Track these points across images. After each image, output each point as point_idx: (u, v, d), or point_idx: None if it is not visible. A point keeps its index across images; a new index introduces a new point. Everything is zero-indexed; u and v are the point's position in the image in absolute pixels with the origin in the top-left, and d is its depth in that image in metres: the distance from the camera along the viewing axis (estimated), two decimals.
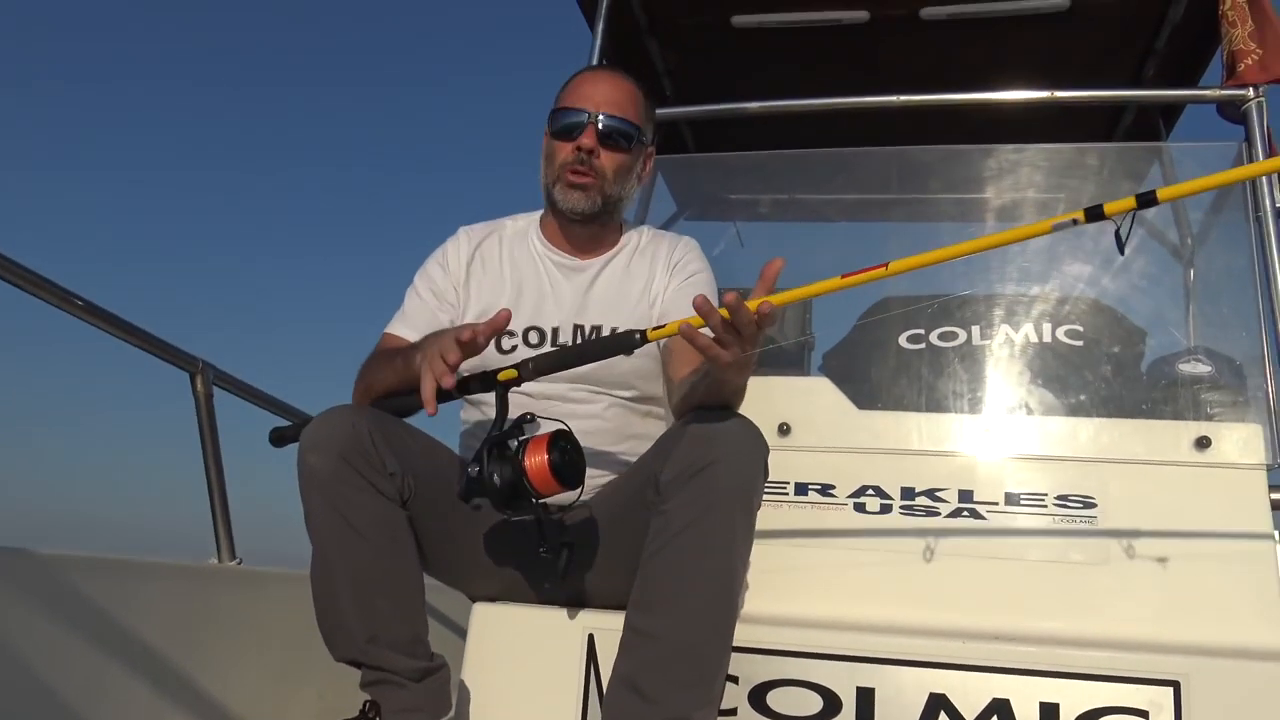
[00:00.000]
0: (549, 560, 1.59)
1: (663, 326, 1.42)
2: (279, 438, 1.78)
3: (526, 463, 1.45)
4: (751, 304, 1.33)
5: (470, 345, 1.48)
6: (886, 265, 1.33)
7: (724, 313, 1.33)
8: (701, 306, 1.34)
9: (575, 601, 1.73)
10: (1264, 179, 2.14)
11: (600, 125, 1.81)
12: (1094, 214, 1.31)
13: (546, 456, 1.45)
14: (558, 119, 1.85)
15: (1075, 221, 1.31)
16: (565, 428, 1.52)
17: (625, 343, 1.50)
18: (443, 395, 1.51)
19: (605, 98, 1.84)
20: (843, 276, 1.35)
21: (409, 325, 1.83)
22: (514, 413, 1.54)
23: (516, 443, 1.48)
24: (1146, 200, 1.29)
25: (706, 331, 1.37)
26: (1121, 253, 1.35)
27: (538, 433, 1.50)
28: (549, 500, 1.51)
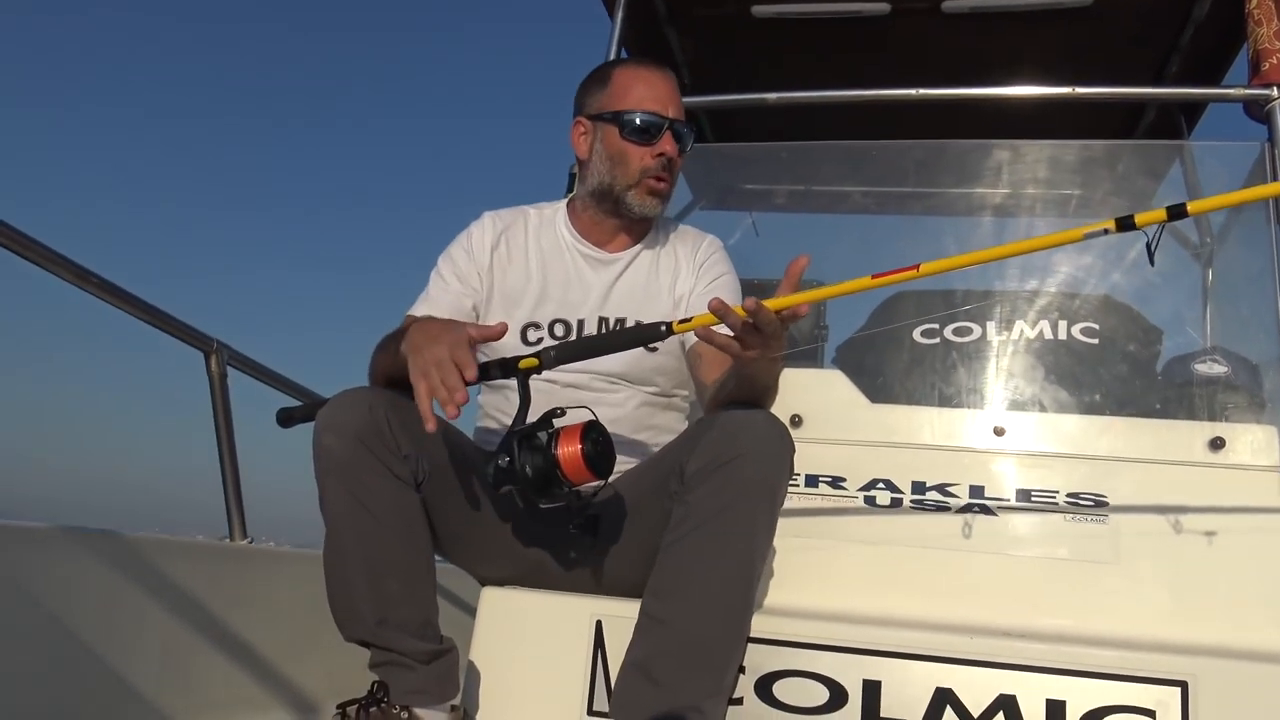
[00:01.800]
0: (568, 542, 1.61)
1: (689, 320, 1.42)
2: (287, 418, 1.77)
3: (559, 453, 1.46)
4: (773, 304, 1.33)
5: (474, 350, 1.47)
6: (918, 267, 1.33)
7: (740, 311, 1.33)
8: (718, 310, 1.35)
9: (588, 586, 1.73)
10: None
11: (675, 132, 1.84)
12: (1125, 224, 1.30)
13: (580, 447, 1.46)
14: (632, 122, 1.83)
15: (1106, 231, 1.31)
16: (594, 418, 1.53)
17: (650, 334, 1.50)
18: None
19: (672, 99, 1.86)
20: (873, 277, 1.34)
21: (433, 308, 1.82)
22: (535, 401, 1.54)
23: (546, 434, 1.48)
24: (1177, 212, 1.29)
25: (725, 330, 1.38)
26: (1152, 264, 1.34)
27: (566, 423, 1.50)
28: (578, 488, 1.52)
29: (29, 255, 1.91)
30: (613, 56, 2.62)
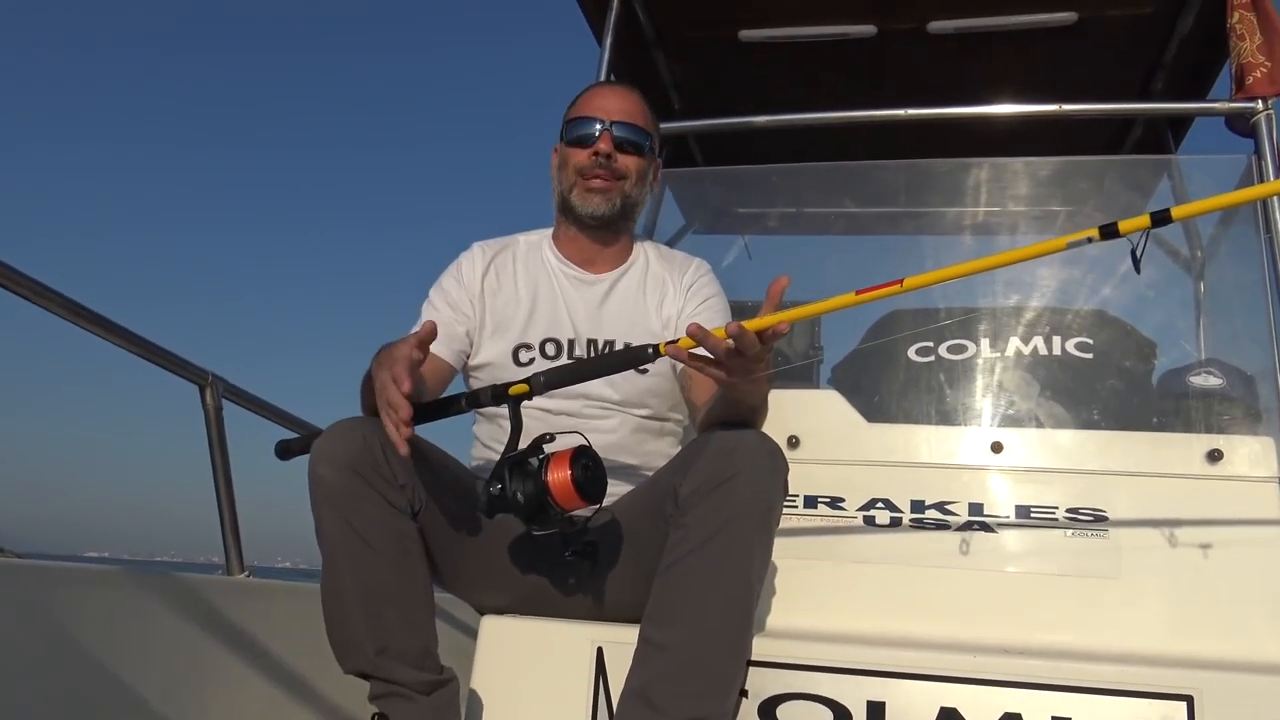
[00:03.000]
0: (566, 568, 1.59)
1: (676, 341, 1.41)
2: (285, 450, 1.77)
3: (549, 479, 1.46)
4: (753, 324, 1.33)
5: (410, 364, 1.44)
6: (901, 282, 1.32)
7: (720, 333, 1.34)
8: (695, 334, 1.35)
9: (587, 613, 1.72)
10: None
11: (615, 132, 1.87)
12: (1109, 232, 1.30)
13: (569, 472, 1.46)
14: (571, 128, 1.90)
15: (1090, 239, 1.30)
16: (585, 443, 1.52)
17: (638, 356, 1.50)
18: (422, 414, 1.51)
19: (616, 107, 1.90)
20: (857, 293, 1.34)
21: None
22: (527, 428, 1.54)
23: (537, 460, 1.48)
24: (1161, 218, 1.29)
25: (704, 352, 1.38)
26: (1138, 271, 1.34)
27: (557, 448, 1.50)
28: (571, 514, 1.51)
29: (21, 291, 1.90)
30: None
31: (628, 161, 1.88)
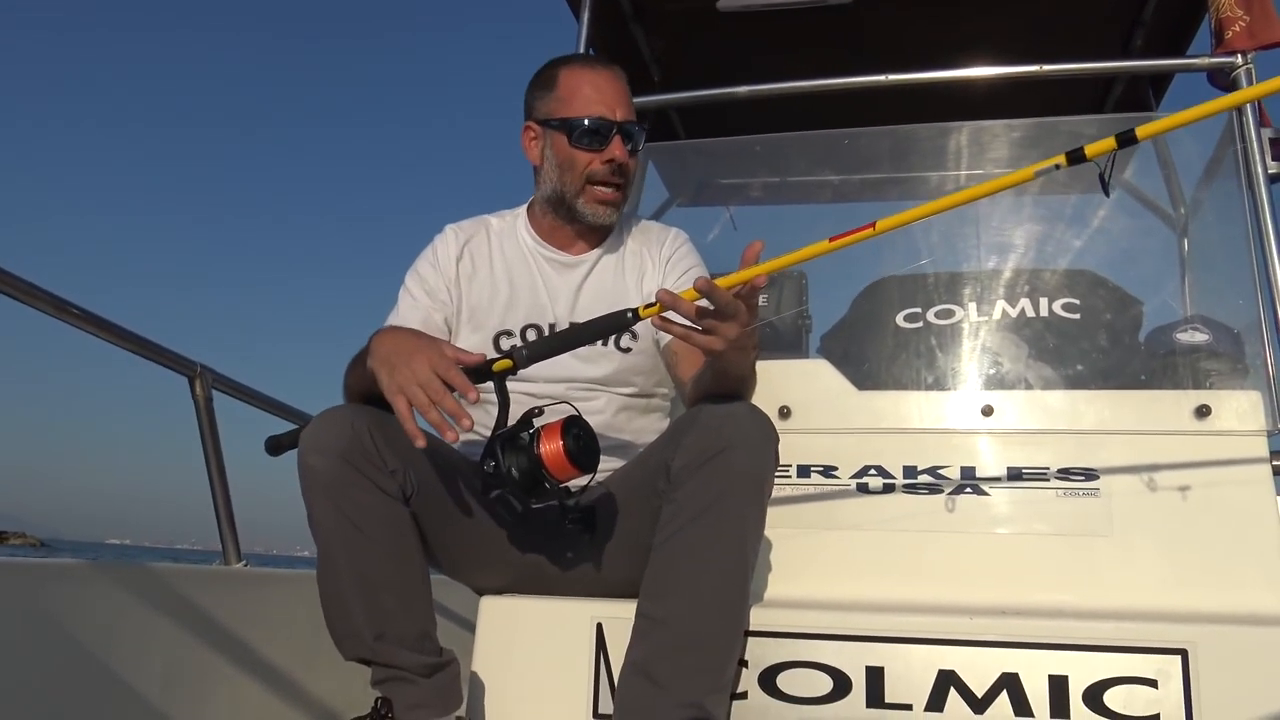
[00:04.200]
0: (562, 546, 1.59)
1: (654, 305, 1.40)
2: (275, 446, 1.75)
3: (542, 451, 1.46)
4: (726, 281, 1.32)
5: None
6: (874, 225, 1.32)
7: (691, 294, 1.33)
8: (665, 299, 1.35)
9: (583, 589, 1.73)
10: (1255, 150, 2.14)
11: (625, 134, 1.82)
12: (1075, 157, 1.30)
13: (561, 443, 1.46)
14: (579, 129, 1.80)
15: (1058, 166, 1.30)
16: (575, 413, 1.52)
17: (617, 322, 1.49)
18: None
19: (619, 102, 1.83)
20: (830, 239, 1.33)
21: (404, 324, 1.80)
22: (513, 412, 1.53)
23: (528, 434, 1.48)
24: (1126, 139, 1.29)
25: (681, 319, 1.37)
26: (1107, 194, 1.35)
27: (548, 420, 1.50)
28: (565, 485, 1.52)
29: (10, 291, 1.89)
30: None
31: (631, 163, 1.85)
